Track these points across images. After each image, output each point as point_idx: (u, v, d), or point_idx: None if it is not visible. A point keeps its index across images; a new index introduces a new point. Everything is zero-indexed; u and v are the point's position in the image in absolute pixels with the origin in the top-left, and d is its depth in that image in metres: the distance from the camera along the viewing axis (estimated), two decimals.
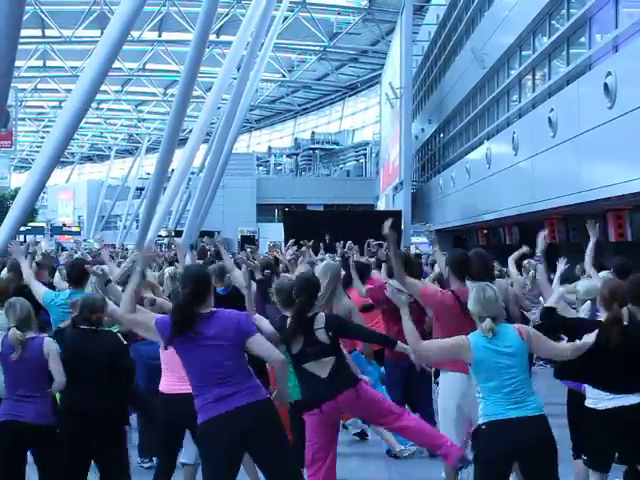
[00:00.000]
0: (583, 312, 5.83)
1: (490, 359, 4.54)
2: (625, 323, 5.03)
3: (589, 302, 5.88)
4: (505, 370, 4.52)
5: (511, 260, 7.90)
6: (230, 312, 4.73)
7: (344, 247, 11.84)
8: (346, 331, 5.53)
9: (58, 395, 5.51)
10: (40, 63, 52.84)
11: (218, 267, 7.74)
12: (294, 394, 5.69)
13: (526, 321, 7.70)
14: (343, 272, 7.75)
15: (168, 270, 7.88)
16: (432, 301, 6.17)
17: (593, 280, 6.58)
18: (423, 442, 5.53)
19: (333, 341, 5.28)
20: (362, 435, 8.17)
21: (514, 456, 4.54)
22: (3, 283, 6.18)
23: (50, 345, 5.28)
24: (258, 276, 7.70)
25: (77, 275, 6.79)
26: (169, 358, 5.43)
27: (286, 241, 29.24)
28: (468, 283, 6.27)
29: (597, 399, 5.11)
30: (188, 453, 5.85)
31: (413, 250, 27.55)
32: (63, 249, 36.56)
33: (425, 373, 7.21)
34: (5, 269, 8.86)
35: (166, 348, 5.18)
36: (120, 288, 6.08)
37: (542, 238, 6.91)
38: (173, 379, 5.49)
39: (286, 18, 42.47)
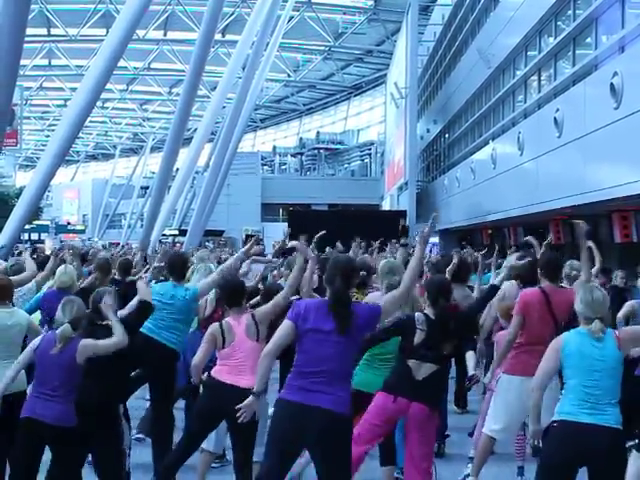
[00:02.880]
0: None
1: (577, 356, 4.50)
2: None
3: None
4: (590, 372, 4.46)
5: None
6: (365, 307, 4.77)
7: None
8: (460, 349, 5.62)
9: None
10: (45, 62, 52.90)
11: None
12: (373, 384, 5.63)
13: None
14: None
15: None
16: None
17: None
18: None
19: (449, 353, 5.37)
20: None
21: (580, 461, 4.48)
22: (5, 282, 6.15)
23: (86, 344, 5.24)
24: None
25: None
26: (230, 354, 5.50)
27: (290, 240, 29.25)
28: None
29: None
30: (211, 441, 5.87)
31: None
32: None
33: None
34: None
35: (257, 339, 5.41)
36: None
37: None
38: (230, 368, 5.49)
39: (291, 18, 42.50)
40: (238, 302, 5.69)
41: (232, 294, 5.74)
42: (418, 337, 5.26)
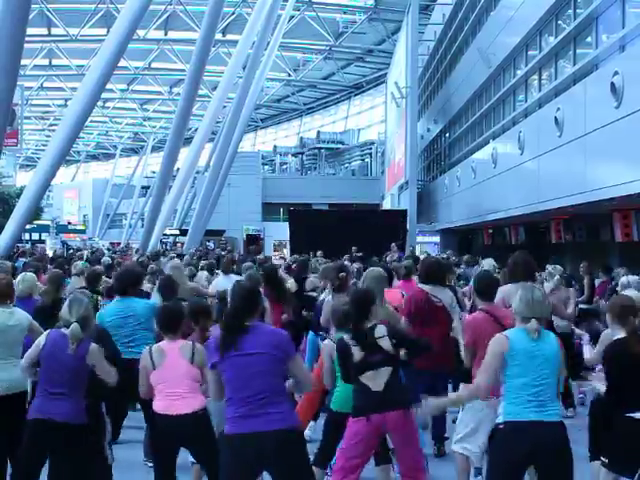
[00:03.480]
0: None
1: (525, 355, 4.51)
2: None
3: None
4: (535, 371, 4.49)
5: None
6: (274, 329, 4.79)
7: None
8: (402, 338, 5.49)
9: None
10: (46, 62, 52.86)
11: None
12: (338, 404, 5.76)
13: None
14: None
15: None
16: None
17: None
18: None
19: (395, 351, 5.32)
20: None
21: (530, 459, 4.51)
22: (5, 282, 6.17)
23: (95, 353, 5.27)
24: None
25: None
26: (162, 376, 5.35)
27: (291, 240, 29.38)
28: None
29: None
30: None
31: (417, 251, 27.67)
32: (69, 247, 36.64)
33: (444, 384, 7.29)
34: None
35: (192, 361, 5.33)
36: None
37: None
38: (169, 398, 5.33)
39: (292, 17, 42.48)
40: (174, 329, 5.53)
41: (169, 320, 5.58)
42: (356, 353, 5.26)
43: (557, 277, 10.09)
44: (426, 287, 7.42)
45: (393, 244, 20.25)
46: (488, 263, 11.07)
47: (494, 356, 4.58)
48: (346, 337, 5.37)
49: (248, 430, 4.40)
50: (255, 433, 4.38)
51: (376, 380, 5.23)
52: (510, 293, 7.06)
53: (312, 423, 7.55)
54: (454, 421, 7.84)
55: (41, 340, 5.34)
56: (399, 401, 5.25)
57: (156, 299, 7.42)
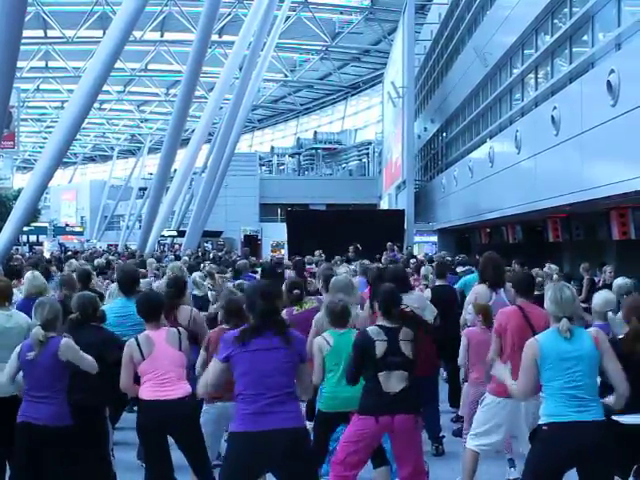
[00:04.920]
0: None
1: (556, 358, 4.50)
2: None
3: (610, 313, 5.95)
4: (572, 373, 4.48)
5: None
6: (292, 331, 4.78)
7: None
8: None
9: None
10: (42, 64, 52.82)
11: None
12: (327, 405, 5.76)
13: None
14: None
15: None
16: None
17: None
18: None
19: (414, 357, 5.31)
20: None
21: (572, 460, 4.51)
22: (3, 285, 6.17)
23: (68, 344, 5.29)
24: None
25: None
26: (151, 365, 5.39)
27: (289, 241, 29.39)
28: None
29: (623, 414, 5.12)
30: None
31: (416, 250, 27.66)
32: (66, 249, 36.63)
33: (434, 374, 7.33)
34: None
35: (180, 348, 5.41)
36: None
37: None
38: (157, 384, 5.38)
39: (288, 18, 42.46)
40: (156, 316, 5.62)
41: (149, 308, 5.66)
42: (379, 349, 5.23)
43: (555, 276, 10.13)
44: None
45: (389, 243, 20.23)
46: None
47: (528, 360, 4.60)
48: (371, 330, 5.32)
49: (260, 428, 4.39)
50: (266, 431, 4.38)
51: (389, 381, 5.21)
52: (481, 293, 7.19)
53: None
54: (453, 420, 7.88)
55: (17, 350, 5.37)
56: (410, 406, 5.24)
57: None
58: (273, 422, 4.39)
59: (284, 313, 7.90)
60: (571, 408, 4.46)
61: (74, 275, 8.77)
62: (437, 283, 9.85)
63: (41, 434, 5.20)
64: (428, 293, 8.91)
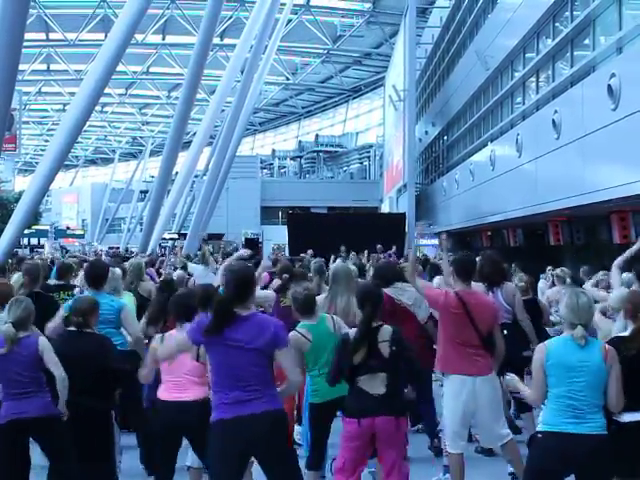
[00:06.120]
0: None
1: (561, 366, 4.46)
2: None
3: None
4: (575, 382, 4.44)
5: (615, 269, 6.87)
6: (267, 318, 4.72)
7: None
8: (402, 351, 5.31)
9: None
10: (44, 66, 52.94)
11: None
12: (317, 396, 5.76)
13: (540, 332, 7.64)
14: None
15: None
16: (436, 303, 6.13)
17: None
18: None
19: (394, 357, 5.22)
20: None
21: (564, 469, 4.51)
22: (5, 288, 6.17)
23: (44, 343, 5.33)
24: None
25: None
26: (165, 366, 5.41)
27: (290, 243, 29.39)
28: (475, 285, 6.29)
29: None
30: (194, 457, 5.83)
31: (418, 253, 27.64)
32: (67, 251, 36.64)
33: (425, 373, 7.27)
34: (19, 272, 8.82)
35: (197, 359, 5.31)
36: None
37: None
38: (171, 385, 5.43)
39: (290, 21, 42.54)
40: (189, 319, 5.46)
41: (188, 309, 5.58)
42: (360, 354, 5.16)
43: (568, 280, 10.05)
44: (388, 290, 7.43)
45: (379, 245, 20.07)
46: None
47: (537, 366, 4.57)
48: (352, 333, 5.27)
49: (236, 414, 4.41)
50: (244, 417, 4.40)
51: (372, 384, 5.17)
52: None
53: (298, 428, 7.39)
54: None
55: None
56: (392, 408, 5.18)
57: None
58: (250, 408, 4.41)
59: (272, 299, 7.95)
60: (567, 418, 4.44)
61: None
62: None
63: (33, 426, 5.23)
64: None
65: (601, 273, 8.64)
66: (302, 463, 5.36)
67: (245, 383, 4.44)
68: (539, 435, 4.57)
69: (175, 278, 9.44)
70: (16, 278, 7.87)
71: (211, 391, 4.64)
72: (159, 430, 5.47)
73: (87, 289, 6.88)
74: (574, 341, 4.48)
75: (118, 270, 7.82)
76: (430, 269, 10.41)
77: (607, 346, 4.58)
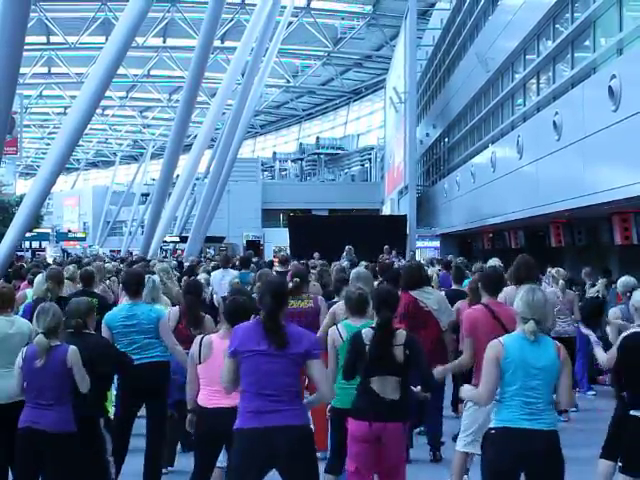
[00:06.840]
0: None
1: (518, 363, 4.46)
2: None
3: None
4: (530, 379, 4.44)
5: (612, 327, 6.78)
6: (301, 329, 4.71)
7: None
8: (416, 356, 5.30)
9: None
10: (45, 70, 52.98)
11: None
12: (339, 401, 5.61)
13: None
14: None
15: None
16: (474, 328, 6.04)
17: None
18: None
19: (406, 362, 5.20)
20: None
21: (518, 466, 4.47)
22: (7, 291, 6.17)
23: (75, 354, 5.28)
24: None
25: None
26: (206, 371, 5.34)
27: (291, 246, 29.39)
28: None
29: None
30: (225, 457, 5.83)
31: (418, 255, 27.65)
32: (68, 255, 36.64)
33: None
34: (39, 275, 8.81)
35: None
36: None
37: None
38: (210, 392, 5.34)
39: (290, 23, 42.54)
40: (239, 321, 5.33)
41: (236, 313, 5.37)
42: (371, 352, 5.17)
43: (562, 282, 10.09)
44: (414, 293, 7.42)
45: (386, 246, 20.07)
46: (493, 261, 11.16)
47: (490, 362, 4.52)
48: (365, 333, 5.25)
49: (261, 424, 4.38)
50: (268, 428, 4.36)
51: (385, 387, 5.15)
52: (511, 294, 7.14)
53: None
54: (454, 439, 7.82)
55: (19, 360, 5.35)
56: (403, 415, 5.21)
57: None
58: (276, 419, 4.38)
59: None
60: (523, 415, 4.43)
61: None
62: (453, 287, 9.83)
63: (42, 439, 5.19)
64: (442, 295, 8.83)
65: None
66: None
67: (270, 392, 4.42)
68: (492, 432, 4.53)
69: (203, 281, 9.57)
70: (39, 279, 7.86)
71: (240, 396, 4.60)
72: (198, 437, 5.44)
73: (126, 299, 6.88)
74: (525, 337, 4.48)
75: (157, 278, 7.71)
76: (455, 272, 10.31)
77: (559, 344, 4.60)
